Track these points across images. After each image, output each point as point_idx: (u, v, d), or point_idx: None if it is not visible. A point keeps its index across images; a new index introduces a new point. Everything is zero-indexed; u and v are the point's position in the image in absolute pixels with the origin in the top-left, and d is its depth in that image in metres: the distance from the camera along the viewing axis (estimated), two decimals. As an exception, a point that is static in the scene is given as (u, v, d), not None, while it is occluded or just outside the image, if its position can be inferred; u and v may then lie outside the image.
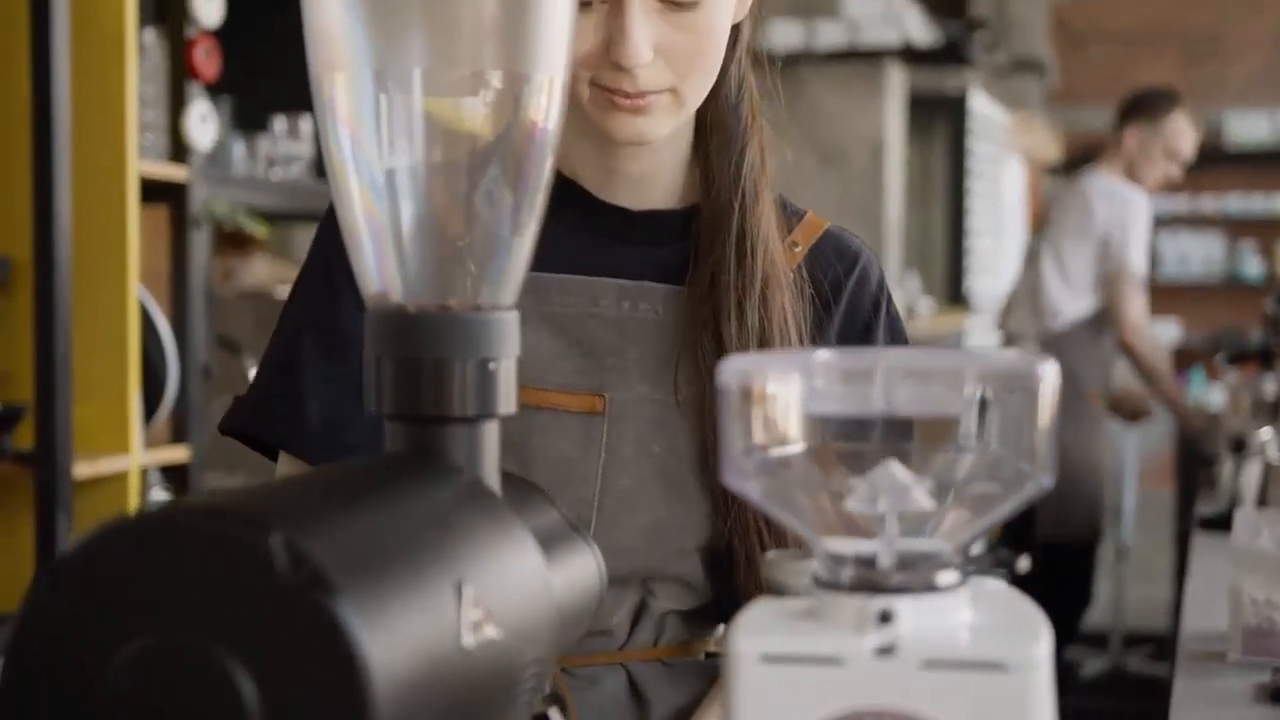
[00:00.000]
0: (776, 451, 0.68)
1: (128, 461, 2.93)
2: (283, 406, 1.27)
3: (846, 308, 1.35)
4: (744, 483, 0.69)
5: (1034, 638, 0.64)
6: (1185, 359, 7.74)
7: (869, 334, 1.36)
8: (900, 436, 0.68)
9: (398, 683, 0.56)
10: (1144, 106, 4.63)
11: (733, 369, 0.69)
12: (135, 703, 0.57)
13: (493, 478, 0.72)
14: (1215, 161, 9.41)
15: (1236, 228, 10.27)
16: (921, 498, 0.66)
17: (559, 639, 0.74)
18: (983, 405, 0.67)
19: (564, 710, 0.76)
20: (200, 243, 3.17)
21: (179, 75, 3.14)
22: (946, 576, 0.66)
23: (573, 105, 1.21)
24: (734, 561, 1.28)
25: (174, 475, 3.18)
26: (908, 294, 6.45)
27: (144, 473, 3.03)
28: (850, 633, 0.64)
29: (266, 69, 2.96)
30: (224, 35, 3.22)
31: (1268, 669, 1.72)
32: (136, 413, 2.95)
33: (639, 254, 1.31)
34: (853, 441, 0.69)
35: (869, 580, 0.66)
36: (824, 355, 0.70)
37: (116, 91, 2.90)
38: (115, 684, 0.57)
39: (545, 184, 0.74)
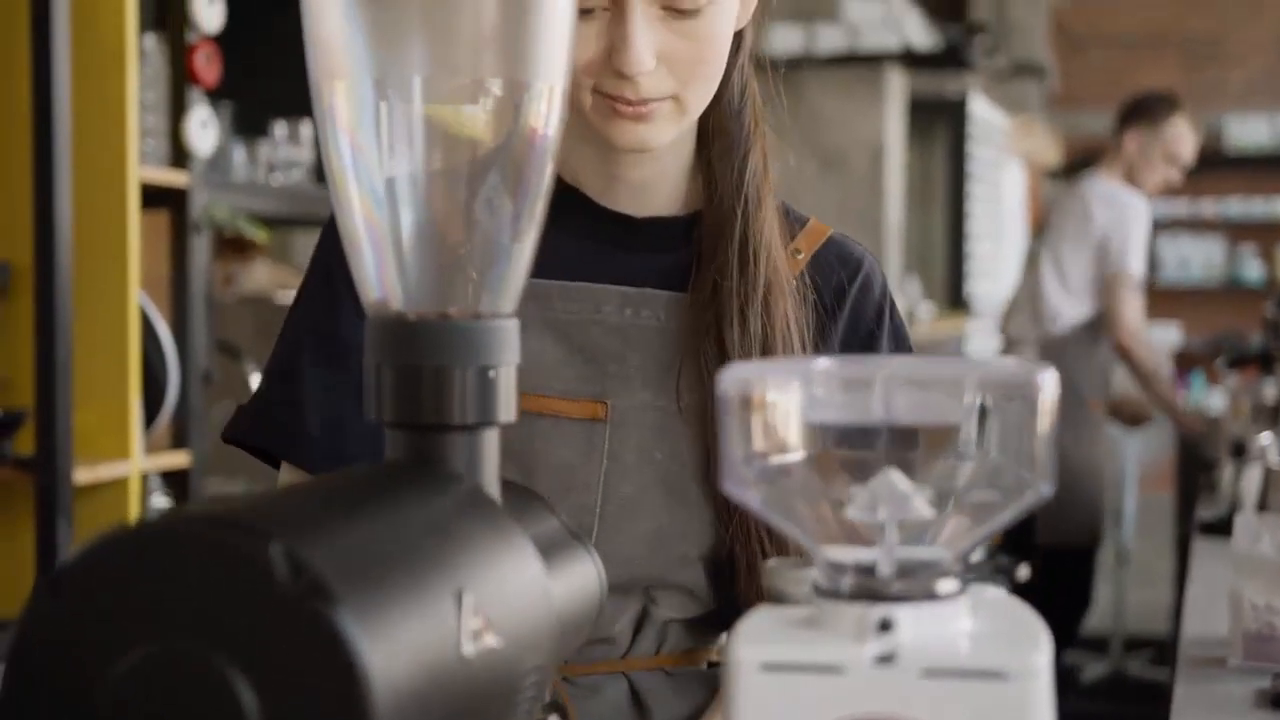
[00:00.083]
0: (776, 459, 0.68)
1: (128, 467, 2.93)
2: (283, 415, 1.28)
3: (850, 315, 1.35)
4: (744, 491, 0.69)
5: (1034, 646, 0.64)
6: (1185, 363, 7.74)
7: (873, 342, 1.35)
8: (900, 445, 0.68)
9: (398, 692, 0.56)
10: (1144, 111, 4.63)
11: (732, 377, 0.69)
12: (136, 711, 0.57)
13: (493, 485, 0.72)
14: (1216, 165, 9.41)
15: (1237, 231, 10.27)
16: (921, 506, 0.66)
17: (559, 647, 0.74)
18: (982, 413, 0.67)
19: (565, 719, 0.76)
20: (201, 248, 3.17)
21: (179, 81, 3.14)
22: (946, 584, 0.66)
23: (575, 112, 1.21)
24: (736, 569, 1.27)
25: (174, 480, 3.18)
26: (908, 298, 6.45)
27: (144, 478, 3.03)
28: (850, 641, 0.65)
29: (267, 74, 2.96)
30: (224, 40, 3.22)
31: (1268, 674, 1.71)
32: (137, 418, 2.95)
33: (641, 261, 1.31)
34: (852, 450, 0.69)
35: (869, 588, 0.66)
36: (823, 363, 0.70)
37: (117, 97, 2.90)
38: (116, 693, 0.57)
39: (545, 191, 0.74)
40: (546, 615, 0.71)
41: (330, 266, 1.28)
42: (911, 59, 6.20)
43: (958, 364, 0.70)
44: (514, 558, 0.69)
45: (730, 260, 1.28)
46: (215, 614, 0.56)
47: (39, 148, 2.69)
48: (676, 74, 1.20)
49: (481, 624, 0.63)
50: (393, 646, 0.57)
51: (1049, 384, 0.67)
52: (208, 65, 3.16)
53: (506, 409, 0.72)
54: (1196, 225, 10.24)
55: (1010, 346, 4.80)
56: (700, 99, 1.24)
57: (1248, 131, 10.02)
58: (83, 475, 2.78)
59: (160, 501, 3.19)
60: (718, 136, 1.32)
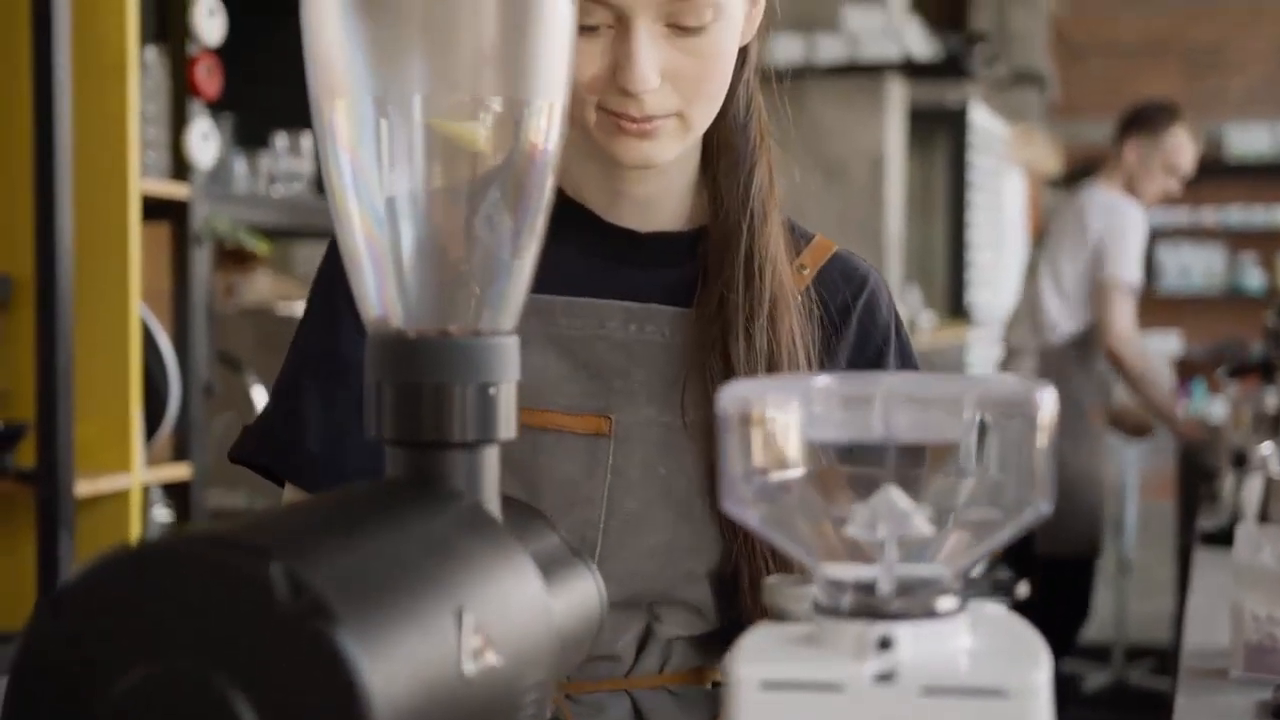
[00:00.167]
0: (776, 477, 0.68)
1: (129, 479, 2.93)
2: (284, 435, 1.28)
3: (856, 334, 1.34)
4: (743, 509, 0.69)
5: (1033, 664, 0.64)
6: (1187, 371, 7.74)
7: (881, 361, 1.35)
8: (899, 462, 0.68)
9: (398, 711, 0.56)
10: (1144, 120, 4.62)
11: (732, 395, 0.69)
12: (136, 731, 0.57)
13: (493, 502, 0.73)
14: (1216, 174, 9.43)
15: (1237, 240, 10.28)
16: (921, 523, 0.66)
17: (559, 663, 0.74)
18: (982, 431, 0.68)
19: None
20: (201, 260, 3.17)
21: (180, 93, 3.14)
22: (946, 602, 0.66)
23: (579, 128, 1.21)
24: (740, 586, 1.27)
25: (175, 493, 3.18)
26: (909, 308, 6.45)
27: (145, 490, 3.03)
28: (850, 659, 0.65)
29: (268, 86, 2.96)
30: (225, 52, 3.22)
31: (1269, 686, 1.71)
32: (138, 430, 2.95)
33: (646, 276, 1.31)
34: (852, 467, 0.69)
35: (869, 606, 0.66)
36: (823, 381, 0.70)
37: (118, 109, 2.90)
38: (117, 712, 0.57)
39: (546, 206, 0.74)
40: (547, 632, 0.71)
41: (332, 284, 1.29)
42: (912, 69, 6.21)
43: (957, 381, 0.70)
44: (514, 575, 0.69)
45: (736, 275, 1.28)
46: (216, 634, 0.56)
47: (40, 160, 2.69)
48: (681, 91, 1.20)
49: (482, 642, 0.63)
50: (393, 666, 0.57)
51: (1048, 402, 0.67)
52: (209, 77, 3.16)
53: (507, 426, 0.72)
54: (1197, 233, 10.26)
55: (1011, 356, 4.80)
56: (705, 116, 1.24)
57: (1248, 140, 10.03)
58: (84, 488, 2.78)
59: (161, 514, 3.19)
60: (723, 152, 1.31)
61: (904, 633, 0.65)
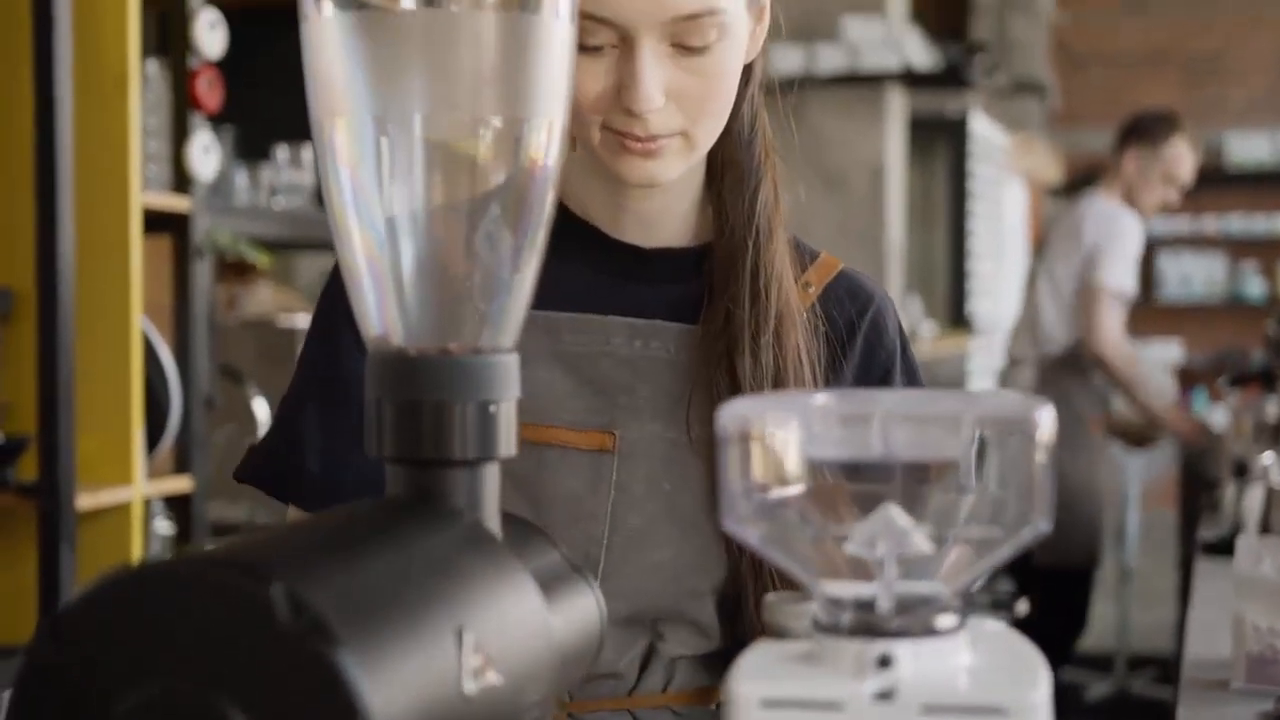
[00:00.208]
0: (775, 495, 0.69)
1: (131, 492, 2.93)
2: (285, 457, 1.29)
3: (862, 353, 1.34)
4: (744, 527, 0.69)
5: (1033, 682, 0.65)
6: (1188, 380, 7.74)
7: (887, 382, 1.34)
8: (898, 480, 0.68)
9: (399, 731, 0.56)
10: (1143, 130, 4.62)
11: (731, 413, 0.69)
12: (137, 753, 0.57)
13: (493, 520, 0.73)
14: (1216, 182, 9.43)
15: (1238, 248, 10.27)
16: (920, 541, 0.66)
17: (560, 680, 0.74)
18: (981, 448, 0.68)
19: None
20: (203, 273, 3.18)
21: (181, 106, 3.15)
22: (945, 620, 0.66)
23: (583, 146, 1.22)
24: (745, 605, 1.26)
25: (177, 505, 3.18)
26: (910, 317, 6.45)
27: (147, 503, 3.03)
28: (850, 677, 0.65)
29: (269, 98, 2.97)
30: (226, 65, 3.23)
31: (1271, 697, 1.71)
32: (139, 443, 2.95)
33: (651, 292, 1.30)
34: (851, 485, 0.69)
35: (868, 624, 0.66)
36: (822, 399, 0.70)
37: (119, 122, 2.90)
38: (118, 733, 0.57)
39: (546, 221, 0.74)
40: (547, 649, 0.71)
41: (334, 304, 1.29)
42: (912, 78, 6.21)
43: (956, 399, 0.71)
44: (514, 593, 0.69)
45: (742, 292, 1.28)
46: (217, 655, 0.56)
47: (41, 173, 2.70)
48: (685, 110, 1.20)
49: (482, 661, 0.63)
50: (393, 686, 0.57)
51: (1047, 419, 0.67)
52: (210, 90, 3.16)
53: (507, 444, 0.72)
54: (1198, 242, 10.25)
55: (1012, 366, 4.79)
56: (709, 134, 1.23)
57: (1249, 148, 10.03)
58: (85, 501, 2.78)
59: (163, 526, 3.19)
60: (728, 168, 1.31)
61: (903, 651, 0.65)
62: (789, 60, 5.78)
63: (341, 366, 1.26)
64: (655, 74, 1.17)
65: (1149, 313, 9.76)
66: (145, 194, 2.97)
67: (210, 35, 3.15)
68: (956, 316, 7.60)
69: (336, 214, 0.73)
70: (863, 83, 6.02)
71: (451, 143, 0.73)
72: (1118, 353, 4.43)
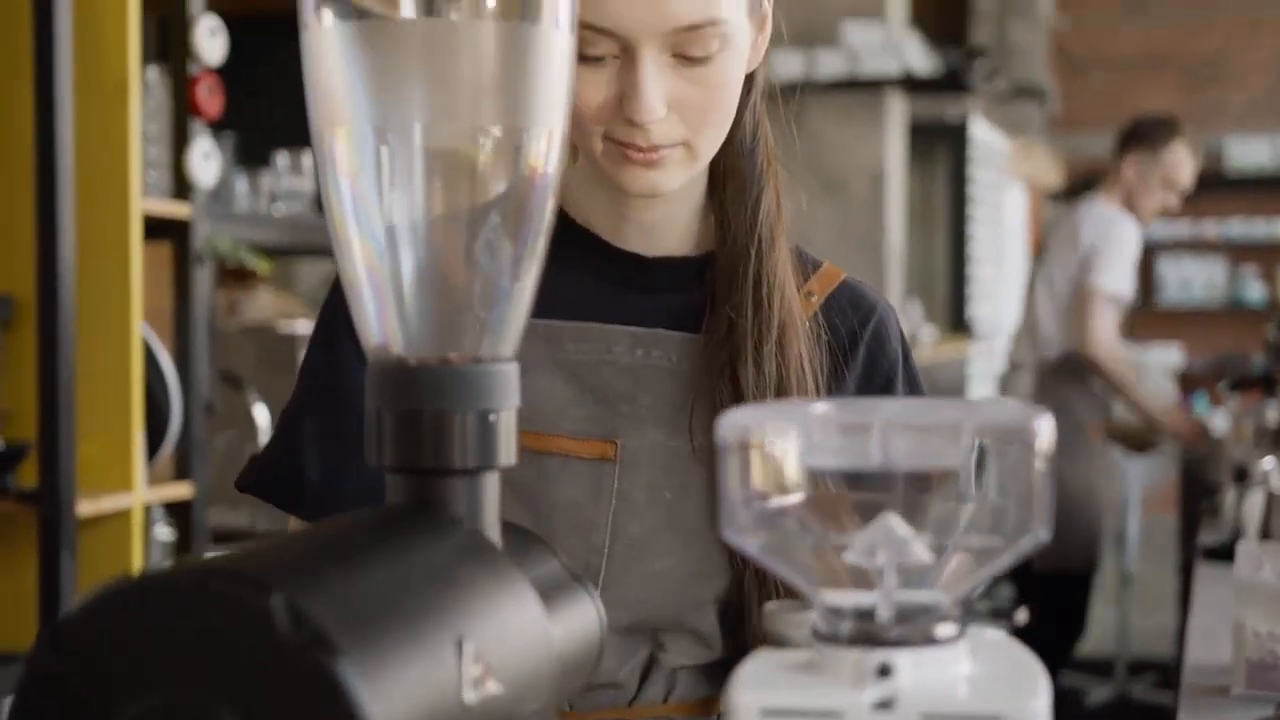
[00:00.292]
0: (775, 504, 0.69)
1: (131, 499, 2.93)
2: (286, 468, 1.29)
3: (865, 362, 1.34)
4: (743, 536, 0.69)
5: (1032, 691, 0.65)
6: (1188, 384, 7.74)
7: (889, 392, 1.34)
8: (898, 489, 0.68)
9: (399, 742, 0.56)
10: (1143, 136, 4.61)
11: (731, 423, 0.69)
12: (138, 763, 0.57)
13: (493, 529, 0.73)
14: (1217, 186, 9.44)
15: (1238, 252, 10.29)
16: (920, 550, 0.66)
17: (560, 689, 0.74)
18: (980, 457, 0.68)
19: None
20: (203, 279, 3.18)
21: (182, 113, 3.15)
22: (945, 629, 0.66)
23: (586, 156, 1.22)
24: (748, 615, 1.26)
25: (177, 512, 3.18)
26: (910, 322, 6.45)
27: (147, 510, 3.03)
28: (849, 686, 0.65)
29: (269, 105, 2.98)
30: (226, 72, 3.23)
31: (1271, 703, 1.71)
32: (140, 449, 2.95)
33: (653, 301, 1.30)
34: (851, 494, 0.69)
35: (868, 633, 0.66)
36: (821, 408, 0.70)
37: (119, 129, 2.91)
38: (118, 744, 0.57)
39: (546, 229, 0.74)
40: (547, 658, 0.71)
41: (335, 314, 1.29)
42: (912, 83, 6.22)
43: (955, 408, 0.71)
44: (514, 602, 0.69)
45: (744, 301, 1.27)
46: (217, 666, 0.56)
47: (42, 180, 2.70)
48: (687, 121, 1.19)
49: (482, 670, 0.63)
50: (394, 696, 0.57)
51: (1046, 428, 0.67)
52: (210, 97, 3.17)
53: (507, 453, 0.72)
54: (1198, 246, 10.26)
55: (1012, 371, 4.79)
56: (711, 144, 1.23)
57: (1248, 153, 10.04)
58: (85, 507, 2.78)
59: (163, 533, 3.19)
60: (730, 177, 1.31)
61: (903, 660, 0.65)
62: (789, 65, 5.79)
63: (342, 376, 1.26)
64: (657, 85, 1.17)
65: (1149, 317, 9.77)
66: (145, 200, 2.98)
67: (210, 42, 3.15)
68: (957, 321, 7.61)
69: (336, 223, 0.73)
70: (863, 88, 6.03)
71: (451, 152, 0.73)
72: (1110, 355, 4.42)
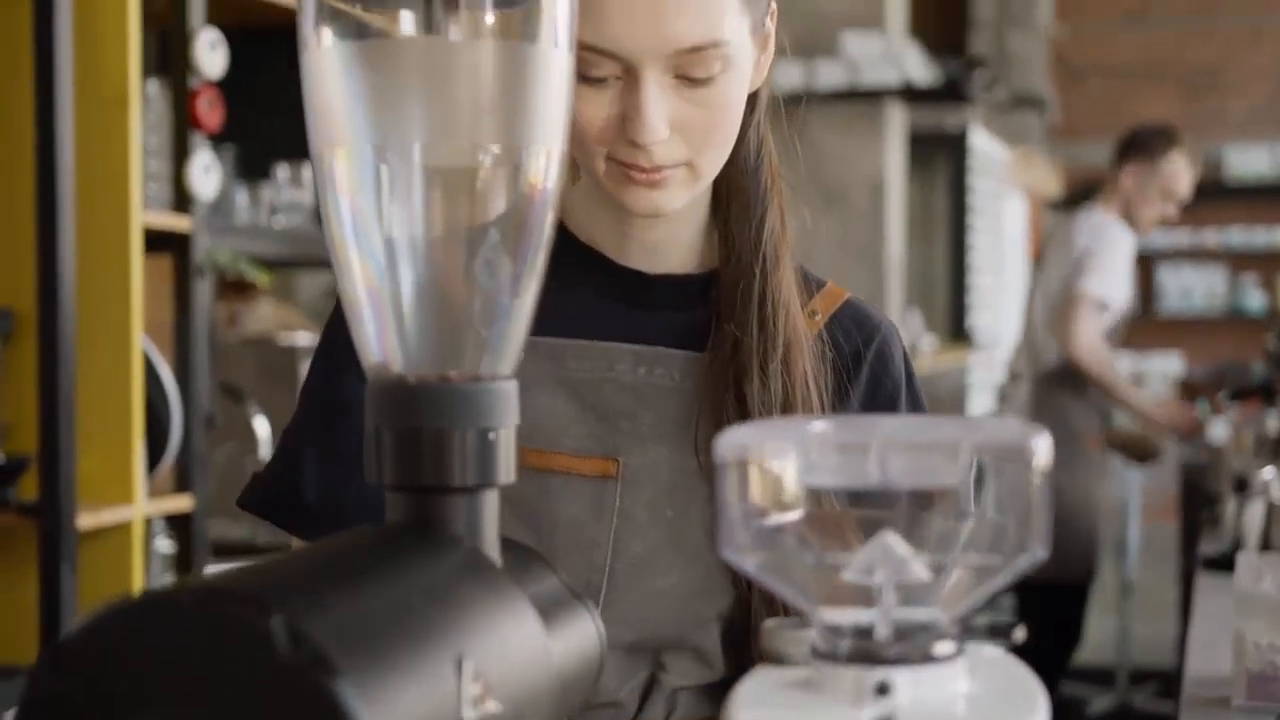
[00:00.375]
0: (773, 523, 0.69)
1: (131, 511, 2.93)
2: (286, 484, 1.29)
3: (868, 383, 1.34)
4: (742, 555, 0.70)
5: (1031, 708, 0.65)
6: (1189, 393, 7.74)
7: (893, 411, 1.34)
8: (896, 507, 0.68)
9: (399, 762, 0.57)
10: (1141, 146, 4.60)
11: (729, 441, 0.70)
12: (138, 784, 0.57)
13: (493, 547, 0.73)
14: (1216, 195, 9.45)
15: (1238, 261, 10.30)
16: (918, 569, 0.66)
17: (559, 706, 0.74)
18: (979, 476, 0.68)
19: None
20: (203, 292, 3.18)
21: (182, 125, 3.15)
22: (944, 647, 0.66)
23: (589, 176, 1.22)
24: (747, 634, 1.26)
25: (178, 524, 3.18)
26: (910, 332, 6.46)
27: (148, 522, 3.03)
28: (848, 704, 0.65)
29: (269, 118, 2.97)
30: (226, 85, 3.23)
31: (1271, 714, 1.71)
32: (140, 462, 2.95)
33: (656, 319, 1.30)
34: (850, 512, 0.69)
35: (866, 651, 0.66)
36: (820, 427, 0.70)
37: (120, 142, 2.91)
38: (118, 764, 0.57)
39: (546, 245, 0.74)
40: (546, 676, 0.71)
41: (337, 333, 1.29)
42: (911, 93, 6.22)
43: (953, 425, 0.71)
44: (514, 621, 0.69)
45: (749, 319, 1.27)
46: (217, 686, 0.56)
47: (42, 193, 2.70)
48: (690, 141, 1.19)
49: (481, 689, 0.63)
50: (393, 716, 0.57)
51: (1043, 446, 0.67)
52: (210, 110, 3.17)
53: (506, 471, 0.72)
54: (1198, 255, 10.27)
55: (1012, 381, 4.79)
56: (714, 164, 1.23)
57: (1248, 161, 10.05)
58: (86, 520, 2.78)
59: (164, 545, 3.19)
60: (734, 196, 1.31)
61: (902, 678, 0.65)
62: (789, 77, 5.80)
63: (343, 395, 1.26)
64: (659, 106, 1.17)
65: (1149, 326, 9.78)
66: (146, 213, 2.98)
67: (211, 55, 3.16)
68: (956, 330, 7.62)
69: (336, 242, 0.73)
70: (862, 98, 6.04)
71: (451, 170, 0.73)
72: (1093, 358, 4.40)
